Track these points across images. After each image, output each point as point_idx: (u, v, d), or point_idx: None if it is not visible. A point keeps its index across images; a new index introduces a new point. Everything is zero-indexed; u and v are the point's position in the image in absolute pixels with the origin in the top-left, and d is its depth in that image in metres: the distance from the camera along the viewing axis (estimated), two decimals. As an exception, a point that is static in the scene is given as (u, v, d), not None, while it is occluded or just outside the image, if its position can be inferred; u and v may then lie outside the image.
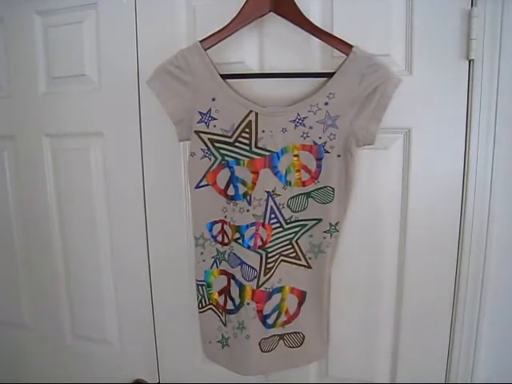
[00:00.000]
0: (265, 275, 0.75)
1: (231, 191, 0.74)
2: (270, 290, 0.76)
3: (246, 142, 0.71)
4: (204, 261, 0.79)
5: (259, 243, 0.74)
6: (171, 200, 0.86)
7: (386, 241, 0.78)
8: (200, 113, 0.71)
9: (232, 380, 0.85)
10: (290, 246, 0.75)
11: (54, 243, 0.98)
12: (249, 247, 0.74)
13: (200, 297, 0.82)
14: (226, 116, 0.71)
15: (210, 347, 0.84)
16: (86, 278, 0.97)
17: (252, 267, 0.74)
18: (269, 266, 0.75)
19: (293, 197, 0.73)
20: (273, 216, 0.73)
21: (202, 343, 0.85)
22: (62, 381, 1.05)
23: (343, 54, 0.67)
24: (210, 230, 0.77)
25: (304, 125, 0.69)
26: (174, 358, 0.95)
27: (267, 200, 0.72)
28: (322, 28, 0.68)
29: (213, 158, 0.73)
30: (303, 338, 0.80)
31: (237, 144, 0.71)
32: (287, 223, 0.74)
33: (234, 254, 0.76)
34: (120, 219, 0.92)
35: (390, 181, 0.76)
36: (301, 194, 0.73)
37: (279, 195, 0.73)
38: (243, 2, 0.68)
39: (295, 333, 0.80)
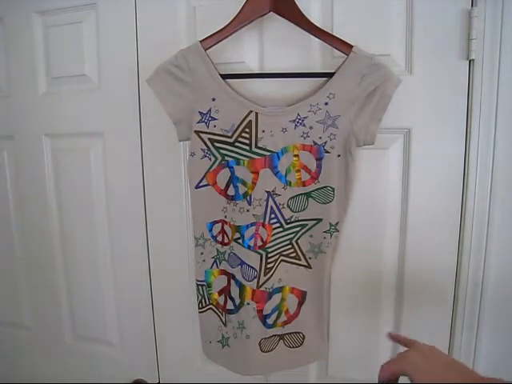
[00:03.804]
0: (265, 275, 0.75)
1: (231, 191, 0.74)
2: (270, 289, 0.76)
3: (246, 141, 0.71)
4: (204, 261, 0.79)
5: (259, 243, 0.74)
6: (171, 200, 0.86)
7: (386, 240, 0.78)
8: (200, 113, 0.71)
9: (232, 380, 0.85)
10: (290, 246, 0.75)
11: (54, 243, 0.98)
12: (249, 247, 0.74)
13: (200, 297, 0.82)
14: (226, 116, 0.71)
15: (210, 347, 0.84)
16: (86, 278, 0.98)
17: (252, 267, 0.74)
18: (269, 266, 0.75)
19: (293, 197, 0.73)
20: (273, 216, 0.73)
21: (202, 343, 0.85)
22: (61, 381, 1.05)
23: (343, 54, 0.67)
24: (210, 230, 0.77)
25: (304, 125, 0.69)
26: (174, 358, 0.95)
27: (267, 200, 0.72)
28: (322, 28, 0.68)
29: (213, 158, 0.73)
30: (303, 338, 0.80)
31: (237, 144, 0.71)
32: (287, 223, 0.74)
33: (234, 254, 0.76)
34: (120, 219, 0.92)
35: (390, 181, 0.76)
36: (301, 194, 0.73)
37: (279, 195, 0.73)
38: (243, 2, 0.68)
39: (295, 333, 0.80)
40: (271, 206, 0.73)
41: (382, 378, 0.53)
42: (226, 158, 0.73)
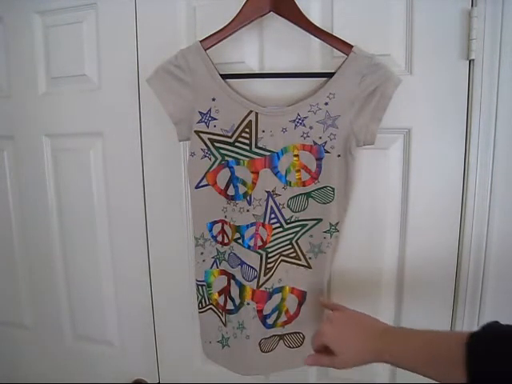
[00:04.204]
0: (265, 275, 0.75)
1: (231, 191, 0.74)
2: (270, 290, 0.76)
3: (246, 141, 0.71)
4: (204, 261, 0.79)
5: (259, 243, 0.74)
6: (171, 200, 0.86)
7: (386, 241, 0.78)
8: (200, 113, 0.71)
9: (232, 380, 0.85)
10: (290, 246, 0.75)
11: (54, 243, 0.98)
12: (249, 247, 0.74)
13: (200, 297, 0.82)
14: (226, 116, 0.71)
15: (210, 347, 0.84)
16: (86, 278, 0.97)
17: (252, 267, 0.74)
18: (269, 266, 0.75)
19: (293, 197, 0.73)
20: (273, 216, 0.73)
21: (202, 343, 0.85)
22: (61, 381, 1.05)
23: (343, 54, 0.67)
24: (210, 230, 0.77)
25: (304, 125, 0.69)
26: (174, 358, 0.95)
27: (267, 200, 0.72)
28: (322, 28, 0.68)
29: (213, 158, 0.73)
30: (303, 338, 0.80)
31: (237, 144, 0.71)
32: (287, 223, 0.74)
33: (234, 254, 0.76)
34: (120, 219, 0.92)
35: (390, 181, 0.76)
36: (301, 194, 0.73)
37: (279, 195, 0.73)
38: (243, 2, 0.68)
39: (295, 333, 0.80)
40: (271, 206, 0.73)
41: (314, 350, 0.62)
42: (226, 158, 0.73)
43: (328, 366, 0.59)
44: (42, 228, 0.98)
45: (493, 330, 0.46)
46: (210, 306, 0.82)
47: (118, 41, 0.83)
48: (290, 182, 0.72)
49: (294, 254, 0.76)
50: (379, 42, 0.71)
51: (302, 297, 0.78)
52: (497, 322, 0.48)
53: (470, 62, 0.69)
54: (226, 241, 0.77)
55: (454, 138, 0.72)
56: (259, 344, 0.78)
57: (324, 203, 0.72)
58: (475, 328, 0.76)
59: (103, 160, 0.90)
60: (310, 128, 0.69)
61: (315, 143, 0.70)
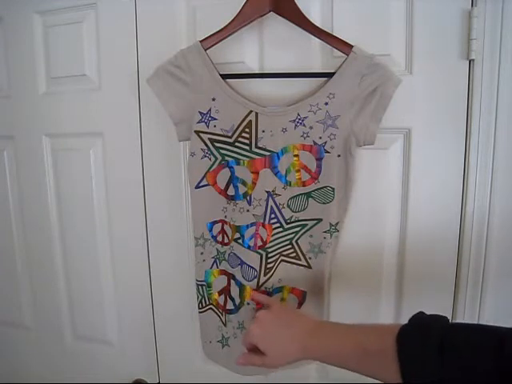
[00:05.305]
0: (265, 275, 0.75)
1: (231, 191, 0.74)
2: (270, 290, 0.76)
3: (246, 141, 0.71)
4: (204, 261, 0.79)
5: (259, 243, 0.74)
6: (171, 200, 0.86)
7: (386, 241, 0.78)
8: (200, 113, 0.71)
9: (232, 380, 0.85)
10: (290, 246, 0.75)
11: (54, 243, 0.98)
12: (249, 247, 0.74)
13: (200, 297, 0.82)
14: (226, 116, 0.71)
15: (210, 347, 0.84)
16: (86, 277, 0.98)
17: (252, 267, 0.74)
18: (269, 266, 0.75)
19: (293, 197, 0.73)
20: (273, 216, 0.73)
21: (202, 343, 0.85)
22: (61, 381, 1.05)
23: (343, 54, 0.67)
24: (210, 230, 0.77)
25: (304, 125, 0.69)
26: (174, 358, 0.95)
27: (267, 200, 0.72)
28: (322, 28, 0.68)
29: (213, 158, 0.73)
30: (303, 338, 0.80)
31: (237, 144, 0.71)
32: (287, 223, 0.74)
33: (234, 254, 0.76)
34: (120, 219, 0.92)
35: (390, 181, 0.76)
36: (301, 194, 0.73)
37: (279, 195, 0.73)
38: (243, 2, 0.68)
39: (295, 333, 0.80)
40: (271, 206, 0.73)
41: (246, 349, 0.61)
42: (226, 158, 0.73)
43: (259, 366, 0.59)
44: (42, 228, 0.98)
45: (421, 322, 0.46)
46: (210, 306, 0.82)
47: (117, 41, 0.83)
48: (290, 182, 0.72)
49: (294, 254, 0.76)
50: (379, 42, 0.70)
51: (302, 297, 0.78)
52: (422, 313, 0.48)
53: (470, 62, 0.68)
54: (226, 241, 0.77)
55: (454, 137, 0.72)
56: (259, 344, 0.78)
57: (324, 203, 0.72)
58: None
59: (103, 160, 0.90)
60: (310, 128, 0.69)
61: (315, 143, 0.70)
